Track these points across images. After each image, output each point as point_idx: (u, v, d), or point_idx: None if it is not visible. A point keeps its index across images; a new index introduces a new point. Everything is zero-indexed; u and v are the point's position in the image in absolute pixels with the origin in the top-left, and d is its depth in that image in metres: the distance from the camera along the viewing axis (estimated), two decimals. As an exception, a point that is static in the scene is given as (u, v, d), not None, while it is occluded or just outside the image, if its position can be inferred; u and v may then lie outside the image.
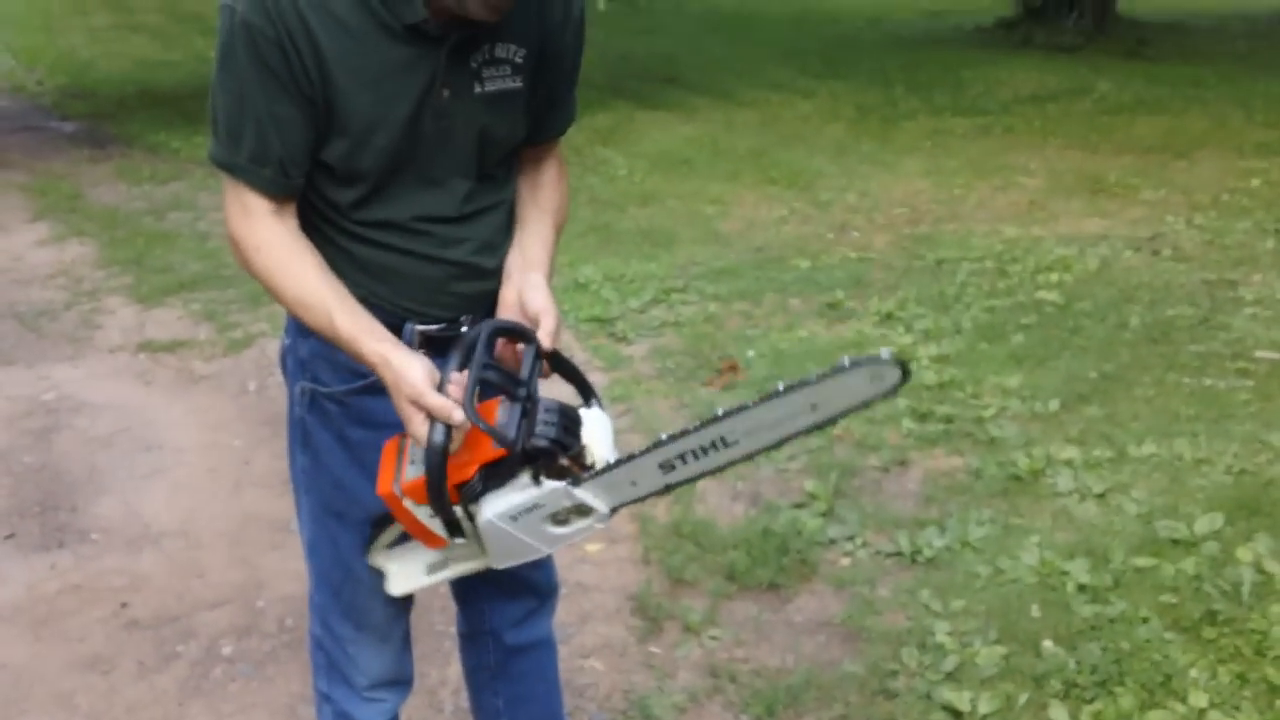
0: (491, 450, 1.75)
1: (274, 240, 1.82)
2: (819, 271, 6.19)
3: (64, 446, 4.51)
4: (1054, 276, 5.90)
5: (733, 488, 3.94)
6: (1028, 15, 14.69)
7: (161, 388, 5.04)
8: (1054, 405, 4.44)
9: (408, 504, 1.80)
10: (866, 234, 6.90)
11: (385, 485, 1.81)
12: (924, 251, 6.44)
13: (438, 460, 1.72)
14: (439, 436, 1.71)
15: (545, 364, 1.85)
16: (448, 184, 1.88)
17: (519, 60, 1.85)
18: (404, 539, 1.96)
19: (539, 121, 1.98)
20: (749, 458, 1.76)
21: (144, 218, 7.76)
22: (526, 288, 1.90)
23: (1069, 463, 4.00)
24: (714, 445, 1.74)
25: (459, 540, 1.83)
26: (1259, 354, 4.87)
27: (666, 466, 1.77)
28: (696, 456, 1.75)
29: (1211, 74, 11.37)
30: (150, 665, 3.24)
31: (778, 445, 1.74)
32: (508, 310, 1.91)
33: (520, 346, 1.85)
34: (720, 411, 1.71)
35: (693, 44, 14.27)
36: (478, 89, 1.83)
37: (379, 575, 2.05)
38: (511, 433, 1.72)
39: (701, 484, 3.91)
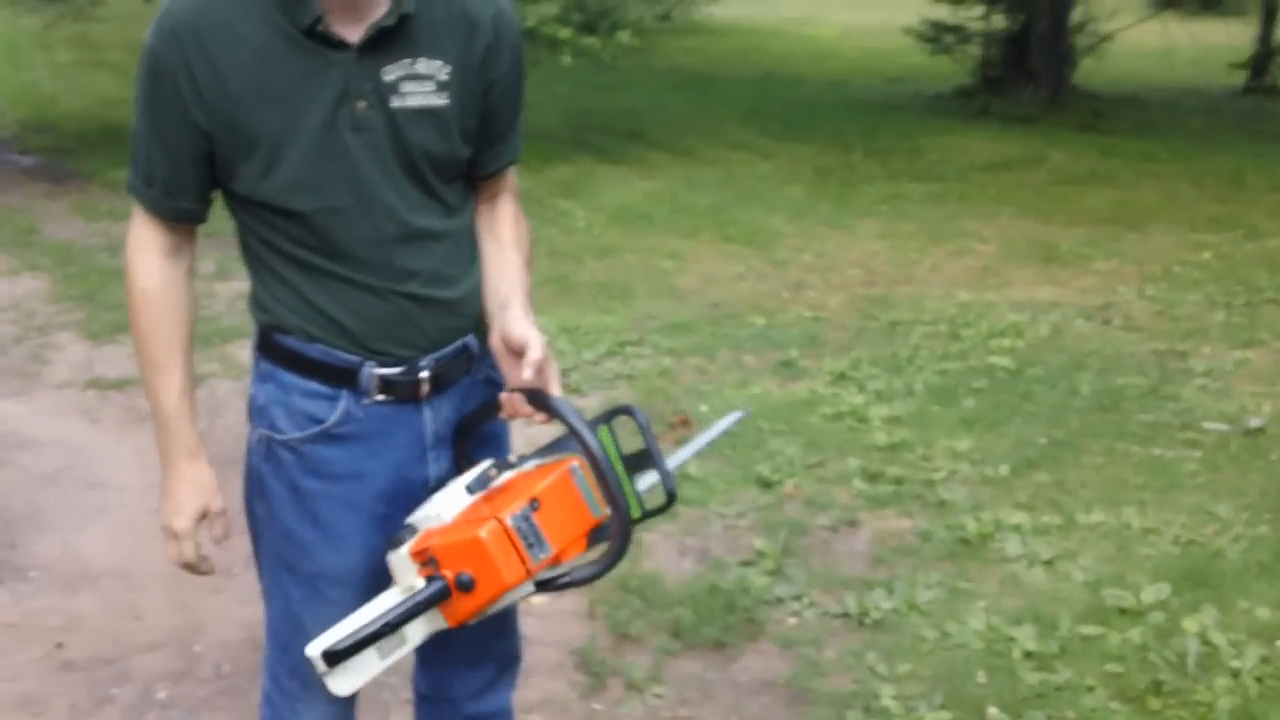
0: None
1: (159, 294, 1.92)
2: (774, 329, 6.21)
3: (6, 483, 4.43)
4: (1006, 342, 5.95)
5: (681, 543, 3.93)
6: (985, 85, 14.87)
7: (108, 426, 4.97)
8: (1004, 470, 4.46)
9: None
10: (822, 294, 6.93)
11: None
12: (878, 313, 6.48)
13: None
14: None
15: (528, 405, 1.86)
16: (382, 204, 1.87)
17: (445, 77, 1.86)
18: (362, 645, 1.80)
19: (484, 154, 1.99)
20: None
21: (99, 254, 7.68)
22: (506, 323, 1.89)
23: (1017, 528, 4.01)
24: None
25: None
26: (1207, 425, 4.92)
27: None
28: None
29: (1164, 149, 11.55)
30: (83, 708, 3.17)
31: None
32: (499, 357, 1.91)
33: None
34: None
35: (656, 101, 14.34)
36: (396, 103, 1.84)
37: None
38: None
39: (650, 538, 3.89)
